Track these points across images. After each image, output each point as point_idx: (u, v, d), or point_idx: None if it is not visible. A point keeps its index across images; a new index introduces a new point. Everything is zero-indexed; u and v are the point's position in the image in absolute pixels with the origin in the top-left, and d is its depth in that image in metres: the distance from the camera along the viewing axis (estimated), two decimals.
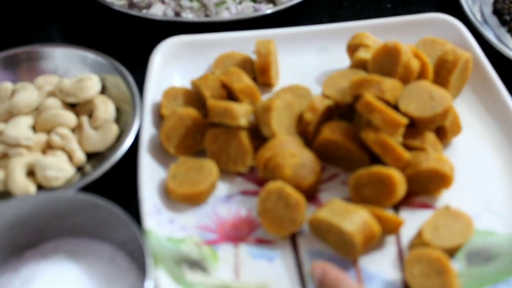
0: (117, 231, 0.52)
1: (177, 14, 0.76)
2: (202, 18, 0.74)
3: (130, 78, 0.65)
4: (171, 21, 0.74)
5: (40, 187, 0.59)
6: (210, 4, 0.75)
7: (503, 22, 0.78)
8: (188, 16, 0.75)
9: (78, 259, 0.52)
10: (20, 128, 0.61)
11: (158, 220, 0.56)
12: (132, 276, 0.51)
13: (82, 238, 0.54)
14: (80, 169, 0.61)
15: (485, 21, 0.78)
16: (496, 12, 0.79)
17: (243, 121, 0.59)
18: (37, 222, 0.53)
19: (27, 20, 0.81)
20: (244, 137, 0.59)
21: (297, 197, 0.55)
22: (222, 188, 0.60)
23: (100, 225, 0.53)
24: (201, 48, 0.70)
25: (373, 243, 0.54)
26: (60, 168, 0.59)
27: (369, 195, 0.56)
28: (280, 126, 0.60)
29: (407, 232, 0.56)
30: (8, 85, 0.66)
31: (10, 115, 0.63)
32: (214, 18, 0.74)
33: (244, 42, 0.70)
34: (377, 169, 0.56)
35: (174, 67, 0.68)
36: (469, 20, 0.76)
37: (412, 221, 0.57)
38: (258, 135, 0.61)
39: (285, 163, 0.57)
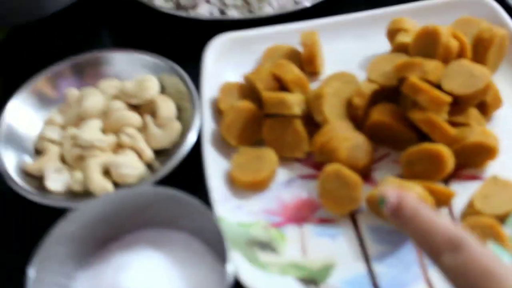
0: (192, 219, 0.56)
1: (222, 11, 0.80)
2: (247, 15, 0.78)
3: (186, 76, 0.69)
4: (218, 20, 0.78)
5: (115, 184, 0.64)
6: (253, 1, 0.79)
7: None
8: (233, 13, 0.79)
9: (159, 247, 0.56)
10: (92, 131, 0.66)
11: (227, 207, 0.61)
12: (209, 260, 0.55)
13: (158, 228, 0.58)
14: (149, 165, 0.66)
15: None
16: None
17: (297, 110, 0.64)
18: (118, 217, 0.57)
19: (80, 28, 0.85)
20: (299, 125, 0.64)
21: (354, 177, 0.59)
22: (282, 174, 0.64)
23: (175, 215, 0.57)
24: (249, 43, 0.74)
25: None
26: (132, 166, 0.64)
27: (420, 170, 0.60)
28: (331, 112, 0.64)
29: (459, 203, 0.60)
30: (74, 92, 0.71)
31: (79, 119, 0.68)
32: (258, 14, 0.78)
33: (288, 34, 0.74)
34: (426, 146, 0.60)
35: (225, 63, 0.73)
36: None
37: (462, 193, 0.60)
38: (312, 122, 0.65)
39: (340, 146, 0.61)
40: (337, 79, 0.68)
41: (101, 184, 0.63)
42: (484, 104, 0.65)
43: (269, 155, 0.64)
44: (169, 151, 0.66)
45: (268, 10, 0.79)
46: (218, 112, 0.68)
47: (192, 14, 0.79)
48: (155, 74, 0.71)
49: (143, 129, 0.68)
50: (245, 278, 0.54)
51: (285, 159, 0.65)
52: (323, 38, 0.73)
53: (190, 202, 0.55)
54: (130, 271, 0.54)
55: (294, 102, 0.64)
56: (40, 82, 0.71)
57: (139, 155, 0.66)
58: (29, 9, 0.79)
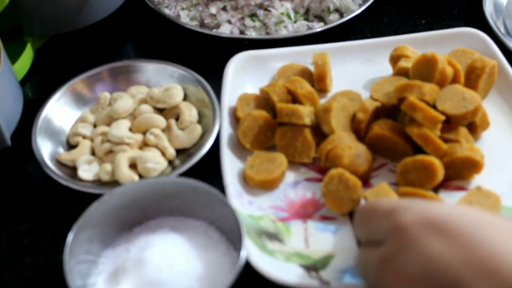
0: (210, 209, 0.62)
1: (242, 32, 0.88)
2: (265, 36, 0.87)
3: (208, 87, 0.77)
4: (239, 38, 0.86)
5: (140, 177, 0.71)
6: (270, 23, 0.87)
7: None
8: (251, 34, 0.87)
9: (179, 232, 0.62)
10: (122, 129, 0.73)
11: (240, 201, 0.68)
12: (223, 246, 0.62)
13: (179, 216, 0.64)
14: (171, 162, 0.73)
15: (508, 33, 0.88)
16: None
17: (307, 120, 0.71)
18: (143, 203, 0.63)
19: (110, 40, 0.93)
20: (308, 133, 0.71)
21: (355, 180, 0.66)
22: (290, 176, 0.72)
23: (195, 205, 0.63)
24: (266, 61, 0.82)
25: None
26: (157, 161, 0.71)
27: (414, 179, 0.67)
28: (338, 124, 0.71)
29: None
30: (106, 94, 0.79)
31: (110, 119, 0.75)
32: (275, 35, 0.87)
33: (301, 55, 0.82)
34: (420, 157, 0.67)
35: (244, 76, 0.80)
36: (494, 32, 0.86)
37: (449, 201, 0.67)
38: (319, 132, 0.72)
39: (343, 153, 0.68)
40: (344, 96, 0.76)
41: (128, 175, 0.70)
42: (473, 125, 0.72)
43: (280, 158, 0.71)
44: (190, 151, 0.74)
45: (283, 33, 0.87)
46: (235, 119, 0.76)
47: (214, 32, 0.87)
48: (181, 84, 0.79)
49: (167, 130, 0.75)
50: (255, 262, 0.61)
51: (293, 163, 0.72)
52: (332, 60, 0.81)
53: (210, 192, 0.61)
54: (153, 249, 0.59)
55: (305, 113, 0.71)
56: (78, 83, 0.79)
57: (163, 153, 0.73)
58: (67, 21, 0.87)
